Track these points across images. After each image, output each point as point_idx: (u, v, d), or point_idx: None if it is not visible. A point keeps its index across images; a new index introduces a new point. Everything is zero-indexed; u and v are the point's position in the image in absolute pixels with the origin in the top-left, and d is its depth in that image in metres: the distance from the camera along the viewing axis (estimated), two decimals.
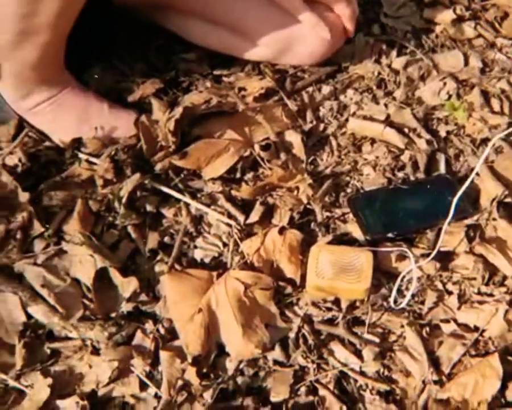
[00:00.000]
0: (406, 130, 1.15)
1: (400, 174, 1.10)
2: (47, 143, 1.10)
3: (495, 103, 1.19)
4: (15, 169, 1.04)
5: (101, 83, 1.18)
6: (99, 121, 1.09)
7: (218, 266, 0.99)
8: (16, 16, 0.92)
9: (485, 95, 1.20)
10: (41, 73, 1.04)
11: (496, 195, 1.04)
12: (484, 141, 1.14)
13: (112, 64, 1.23)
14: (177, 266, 0.98)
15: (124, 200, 1.02)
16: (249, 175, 1.09)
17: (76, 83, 1.12)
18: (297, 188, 1.06)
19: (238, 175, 1.08)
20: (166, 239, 1.02)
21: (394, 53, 1.27)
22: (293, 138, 1.13)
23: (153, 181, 1.06)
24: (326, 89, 1.22)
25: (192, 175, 1.08)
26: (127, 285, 0.95)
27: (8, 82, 1.06)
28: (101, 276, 0.95)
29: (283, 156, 1.10)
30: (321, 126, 1.17)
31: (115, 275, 0.95)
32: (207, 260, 1.00)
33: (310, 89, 1.22)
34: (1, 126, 1.10)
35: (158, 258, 0.99)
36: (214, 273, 0.96)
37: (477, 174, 1.06)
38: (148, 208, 1.04)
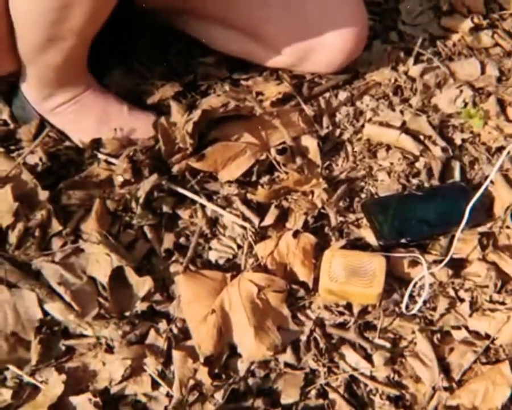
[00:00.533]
0: (421, 137, 1.15)
1: (415, 181, 1.10)
2: (67, 143, 1.11)
3: (511, 112, 1.19)
4: (35, 168, 1.06)
5: (121, 85, 1.20)
6: (119, 122, 1.11)
7: (232, 268, 1.00)
8: (46, 22, 0.93)
9: (501, 103, 1.20)
10: (64, 76, 1.06)
11: (510, 203, 1.04)
12: (500, 149, 1.14)
13: (132, 67, 1.24)
14: (191, 267, 0.99)
15: (141, 201, 1.03)
16: (265, 179, 1.10)
17: (97, 86, 1.13)
18: (312, 192, 1.07)
19: (254, 178, 1.09)
20: (181, 240, 1.03)
21: (411, 60, 1.27)
22: (309, 142, 1.13)
23: (170, 182, 1.07)
24: (342, 95, 1.22)
25: (208, 177, 1.09)
26: (142, 285, 0.96)
27: (32, 83, 1.08)
28: (117, 275, 0.96)
29: (298, 160, 1.10)
30: (337, 132, 1.17)
31: (131, 275, 0.96)
32: (221, 262, 1.01)
33: (327, 94, 1.22)
34: (23, 126, 1.12)
35: (173, 258, 1.00)
36: (228, 275, 0.97)
37: (492, 182, 1.06)
38: (165, 209, 1.05)
